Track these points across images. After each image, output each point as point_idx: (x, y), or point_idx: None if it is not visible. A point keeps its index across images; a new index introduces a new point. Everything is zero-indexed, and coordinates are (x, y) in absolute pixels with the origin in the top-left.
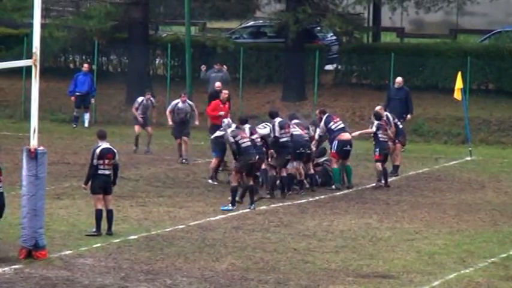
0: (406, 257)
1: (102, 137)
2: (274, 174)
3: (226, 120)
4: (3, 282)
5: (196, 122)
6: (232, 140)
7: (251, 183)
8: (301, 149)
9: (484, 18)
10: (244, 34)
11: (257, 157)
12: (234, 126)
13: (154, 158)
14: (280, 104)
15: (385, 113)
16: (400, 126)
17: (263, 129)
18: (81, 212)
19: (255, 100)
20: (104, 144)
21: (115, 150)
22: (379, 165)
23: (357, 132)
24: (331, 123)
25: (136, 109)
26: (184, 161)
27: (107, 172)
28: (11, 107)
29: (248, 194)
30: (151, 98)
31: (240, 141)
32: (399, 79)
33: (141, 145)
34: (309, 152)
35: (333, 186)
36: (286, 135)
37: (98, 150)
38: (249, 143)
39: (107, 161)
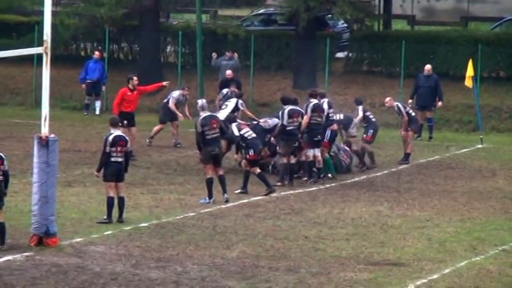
0: (417, 244)
1: (114, 124)
2: (285, 162)
3: (200, 102)
4: (15, 269)
5: (189, 117)
6: (200, 129)
7: (220, 173)
8: (319, 136)
9: (495, 6)
10: (255, 22)
11: (217, 149)
12: (207, 112)
13: (165, 145)
14: (291, 92)
15: (396, 102)
16: (413, 114)
17: (225, 108)
18: (92, 199)
19: (265, 87)
20: (116, 132)
21: (127, 138)
22: (368, 146)
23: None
24: (331, 110)
25: (176, 105)
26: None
27: (119, 159)
28: (22, 95)
29: (219, 183)
30: (187, 93)
31: (206, 132)
32: (428, 66)
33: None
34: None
35: (329, 175)
36: (293, 124)
37: (110, 138)
38: (214, 135)
39: (119, 148)
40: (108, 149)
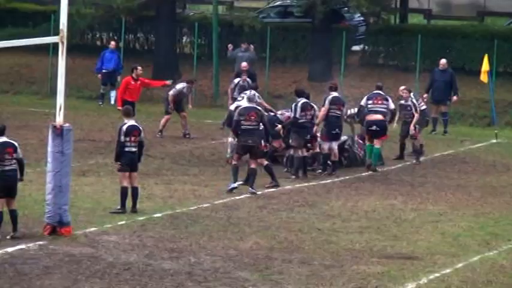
0: (430, 238)
1: (128, 114)
2: (301, 155)
3: (248, 92)
4: (28, 258)
5: (190, 106)
6: (236, 117)
7: (253, 166)
8: (337, 129)
9: (511, 1)
10: (271, 13)
11: (250, 141)
12: (252, 104)
13: (180, 136)
14: (307, 84)
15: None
16: (423, 107)
17: (241, 100)
18: (106, 189)
19: (281, 80)
20: (130, 122)
21: (141, 128)
22: (415, 141)
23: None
24: (370, 101)
25: (175, 97)
26: (187, 135)
27: (133, 149)
28: (38, 84)
29: (249, 175)
30: (191, 87)
31: (242, 122)
32: (443, 61)
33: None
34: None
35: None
36: (305, 117)
37: (124, 128)
38: (250, 127)
39: (133, 138)
40: (122, 138)
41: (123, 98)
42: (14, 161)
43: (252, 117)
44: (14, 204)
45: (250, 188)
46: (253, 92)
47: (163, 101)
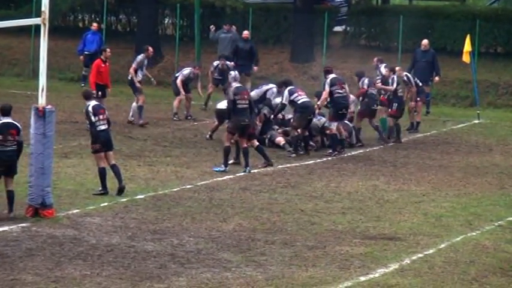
0: (413, 219)
1: (89, 97)
2: (296, 134)
3: (233, 73)
4: (10, 240)
5: (200, 92)
6: (232, 97)
7: (244, 145)
8: (344, 110)
9: None
10: None
11: (247, 120)
12: (238, 83)
13: (162, 117)
14: (289, 65)
15: (404, 72)
16: (420, 84)
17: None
18: (88, 170)
19: (263, 61)
20: (92, 102)
21: (104, 106)
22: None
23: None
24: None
25: (183, 82)
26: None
27: (102, 127)
28: (20, 66)
29: (243, 156)
30: (198, 72)
31: (238, 102)
32: (425, 41)
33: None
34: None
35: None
36: (299, 97)
37: (90, 108)
38: (245, 105)
39: (101, 116)
40: (93, 118)
41: (96, 82)
42: (15, 142)
43: (245, 96)
44: (12, 185)
45: (247, 168)
46: (236, 72)
47: (171, 84)
